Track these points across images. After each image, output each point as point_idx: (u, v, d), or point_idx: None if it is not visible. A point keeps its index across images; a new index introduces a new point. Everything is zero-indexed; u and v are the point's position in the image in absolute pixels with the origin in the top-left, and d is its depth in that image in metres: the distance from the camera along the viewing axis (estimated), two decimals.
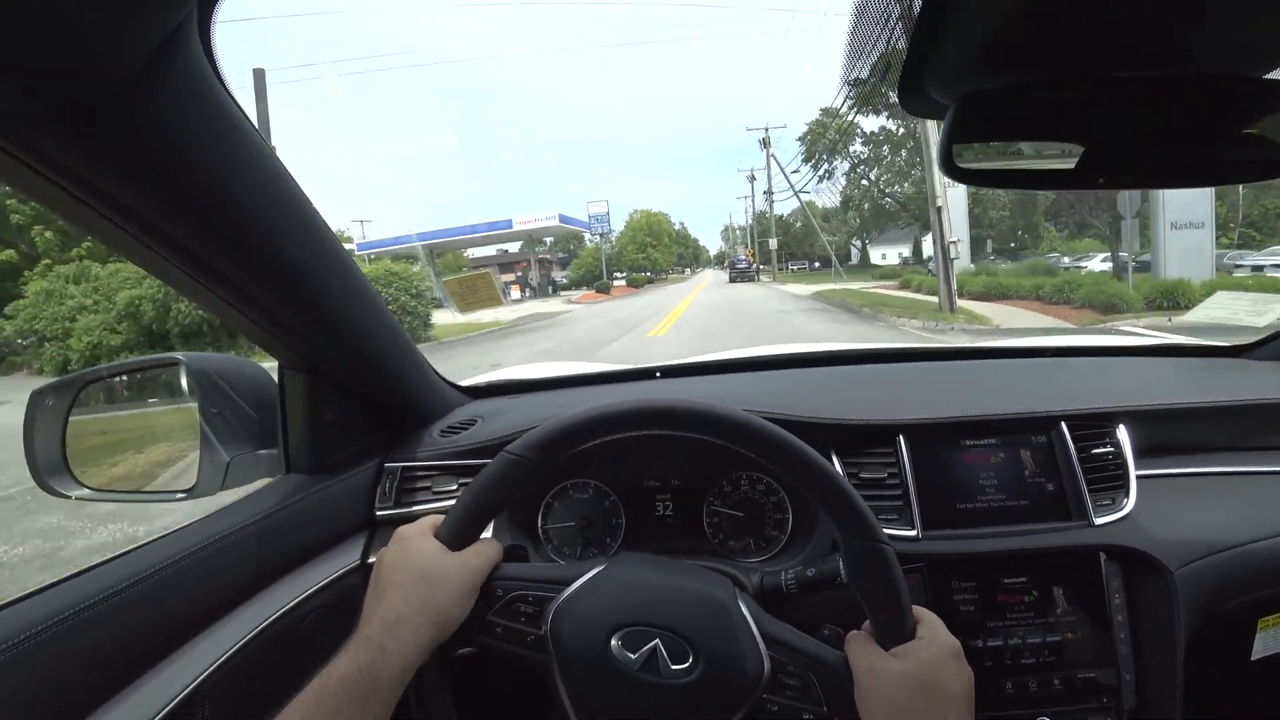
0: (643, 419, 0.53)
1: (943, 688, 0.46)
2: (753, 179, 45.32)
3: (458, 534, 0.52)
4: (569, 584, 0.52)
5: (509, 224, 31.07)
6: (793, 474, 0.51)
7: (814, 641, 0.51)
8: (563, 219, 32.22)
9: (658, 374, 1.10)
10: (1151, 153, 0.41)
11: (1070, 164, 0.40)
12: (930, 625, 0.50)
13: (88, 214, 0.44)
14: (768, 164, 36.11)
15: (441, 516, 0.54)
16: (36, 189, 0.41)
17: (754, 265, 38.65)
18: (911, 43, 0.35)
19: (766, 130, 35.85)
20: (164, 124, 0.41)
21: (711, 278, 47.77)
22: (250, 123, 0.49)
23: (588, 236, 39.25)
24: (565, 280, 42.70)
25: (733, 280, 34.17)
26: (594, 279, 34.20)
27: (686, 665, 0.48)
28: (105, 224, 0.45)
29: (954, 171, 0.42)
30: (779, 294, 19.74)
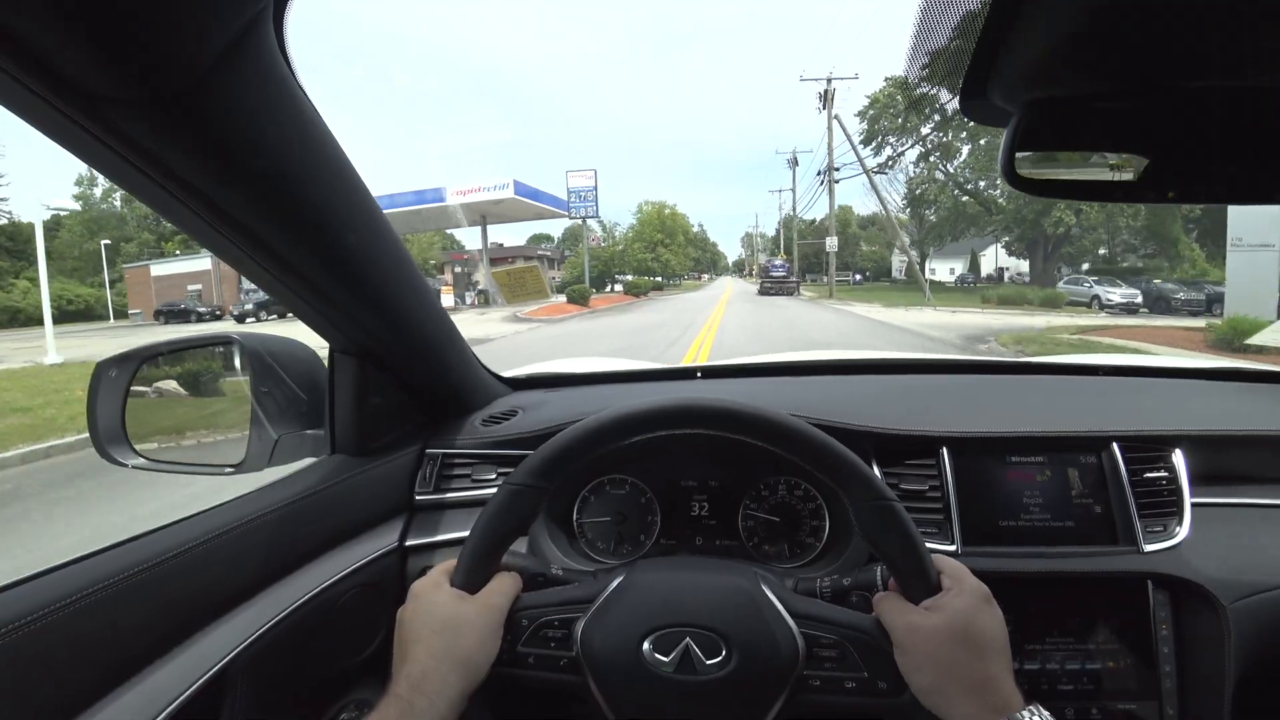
0: (630, 426, 0.57)
1: (980, 635, 0.48)
2: (794, 163, 40.90)
3: (472, 575, 0.54)
4: (593, 601, 0.55)
5: (439, 195, 23.79)
6: (787, 449, 0.54)
7: (844, 610, 0.54)
8: (520, 189, 23.81)
9: (698, 374, 1.15)
10: (1225, 166, 0.41)
11: (1139, 176, 0.41)
12: (955, 574, 0.52)
13: (160, 195, 0.49)
14: (829, 127, 26.42)
15: (454, 562, 0.56)
16: (115, 170, 0.46)
17: (794, 275, 32.58)
18: (976, 48, 0.36)
19: (830, 82, 26.25)
20: (239, 111, 0.45)
21: (734, 287, 44.15)
22: (318, 113, 0.53)
23: (596, 226, 33.55)
24: (555, 281, 36.66)
25: (764, 293, 28.82)
26: (593, 280, 27.90)
27: (721, 659, 0.51)
28: (176, 205, 0.50)
29: (1017, 181, 0.44)
30: (881, 329, 11.92)
